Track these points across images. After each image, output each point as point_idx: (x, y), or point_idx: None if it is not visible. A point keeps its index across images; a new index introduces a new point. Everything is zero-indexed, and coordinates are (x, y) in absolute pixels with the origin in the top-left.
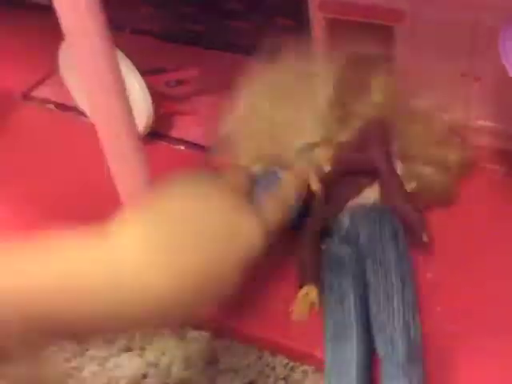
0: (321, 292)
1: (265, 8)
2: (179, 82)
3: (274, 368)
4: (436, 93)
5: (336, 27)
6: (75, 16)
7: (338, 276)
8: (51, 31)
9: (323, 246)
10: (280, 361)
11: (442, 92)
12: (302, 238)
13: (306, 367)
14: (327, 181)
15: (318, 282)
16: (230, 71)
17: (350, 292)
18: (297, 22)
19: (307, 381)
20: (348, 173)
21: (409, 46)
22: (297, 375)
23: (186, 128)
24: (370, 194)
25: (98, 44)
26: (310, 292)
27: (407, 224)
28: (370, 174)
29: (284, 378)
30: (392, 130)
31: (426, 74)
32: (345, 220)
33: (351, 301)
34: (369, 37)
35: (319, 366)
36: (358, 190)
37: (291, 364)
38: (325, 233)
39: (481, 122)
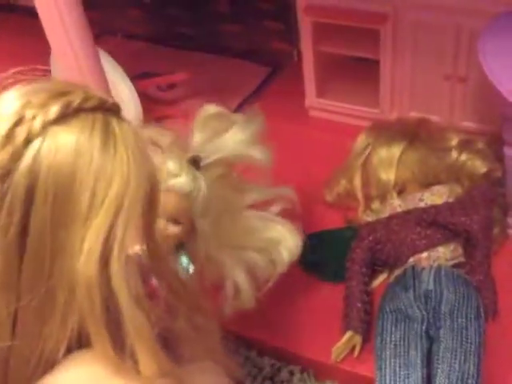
0: (375, 341)
1: (254, 12)
2: (170, 86)
3: (261, 368)
4: (420, 95)
5: (323, 31)
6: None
7: (402, 332)
8: (44, 36)
9: (392, 294)
10: (267, 361)
11: (426, 94)
12: (349, 282)
13: (292, 367)
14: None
15: (365, 330)
16: (220, 74)
17: (416, 356)
18: (285, 26)
19: (293, 381)
20: (435, 224)
21: (393, 49)
22: (283, 375)
23: (176, 131)
24: (441, 253)
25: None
26: (353, 338)
27: (481, 298)
28: (457, 234)
29: (271, 378)
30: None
31: (410, 76)
32: (427, 279)
33: (418, 365)
34: (355, 40)
35: (305, 367)
36: (429, 244)
37: (278, 364)
38: (397, 281)
39: (465, 123)
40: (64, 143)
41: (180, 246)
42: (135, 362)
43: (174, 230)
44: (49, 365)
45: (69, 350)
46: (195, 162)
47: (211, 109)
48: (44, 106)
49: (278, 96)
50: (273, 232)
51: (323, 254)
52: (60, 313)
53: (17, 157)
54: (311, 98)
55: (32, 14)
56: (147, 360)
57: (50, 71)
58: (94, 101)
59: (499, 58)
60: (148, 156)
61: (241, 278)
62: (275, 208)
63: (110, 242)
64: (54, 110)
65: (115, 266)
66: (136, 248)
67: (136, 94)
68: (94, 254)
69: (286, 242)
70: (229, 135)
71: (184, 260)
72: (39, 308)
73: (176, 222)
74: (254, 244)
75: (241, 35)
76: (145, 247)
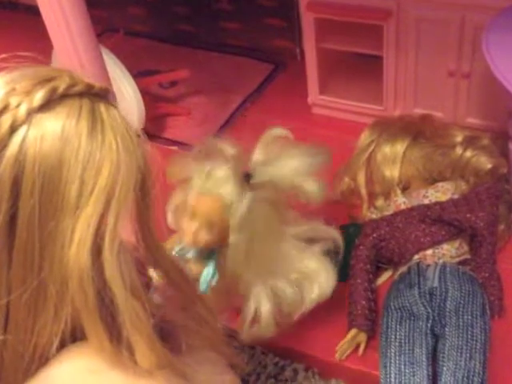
0: (380, 339)
1: (256, 9)
2: (172, 84)
3: (265, 366)
4: (424, 92)
5: (325, 27)
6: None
7: (407, 329)
8: (46, 34)
9: (396, 292)
10: (271, 359)
11: (430, 90)
12: (353, 279)
13: (296, 365)
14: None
15: (370, 328)
16: (222, 72)
17: (422, 353)
18: (287, 23)
19: (298, 379)
20: (440, 221)
21: (396, 46)
22: (287, 373)
23: (179, 128)
24: (446, 250)
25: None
26: (358, 336)
27: (487, 295)
28: (462, 231)
29: (275, 376)
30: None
31: (414, 72)
32: (432, 276)
33: (423, 363)
34: (358, 37)
35: (310, 365)
36: (433, 241)
37: (282, 362)
38: (402, 278)
39: (469, 120)
40: (50, 131)
41: (210, 254)
42: (132, 354)
43: (204, 236)
44: (43, 359)
45: (63, 345)
46: (246, 178)
47: (278, 131)
48: (29, 92)
49: (280, 93)
50: (308, 266)
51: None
52: (53, 306)
53: (2, 146)
54: (314, 95)
55: (33, 11)
56: (144, 351)
57: (32, 57)
58: (80, 86)
59: (504, 52)
60: (138, 142)
61: (264, 305)
62: (317, 246)
63: (101, 231)
64: (38, 96)
65: (108, 256)
66: (130, 237)
67: (138, 92)
68: (86, 243)
69: (320, 278)
70: (286, 161)
71: (210, 270)
72: (31, 301)
73: (210, 228)
74: (286, 274)
75: (243, 32)
76: (140, 236)
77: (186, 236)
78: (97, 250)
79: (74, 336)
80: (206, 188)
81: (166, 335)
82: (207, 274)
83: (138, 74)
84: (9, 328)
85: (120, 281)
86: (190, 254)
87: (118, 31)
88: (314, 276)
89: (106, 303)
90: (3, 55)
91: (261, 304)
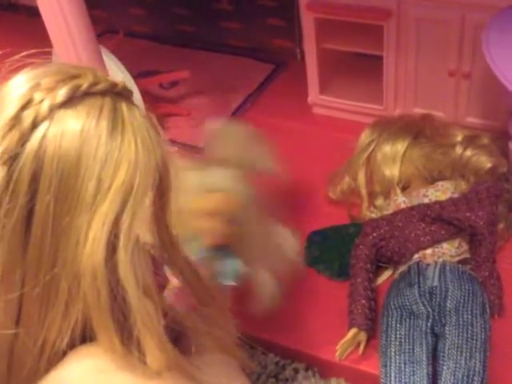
0: (380, 338)
1: (256, 9)
2: (173, 84)
3: (265, 366)
4: (425, 91)
5: (325, 27)
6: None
7: (407, 328)
8: (46, 35)
9: (396, 291)
10: (271, 359)
11: (430, 90)
12: (353, 279)
13: (296, 365)
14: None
15: (370, 327)
16: (222, 72)
17: (422, 353)
18: (287, 23)
19: (298, 378)
20: (440, 220)
21: (397, 45)
22: (288, 373)
23: (179, 129)
24: (446, 250)
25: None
26: (358, 335)
27: (486, 294)
28: (462, 230)
29: (275, 376)
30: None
31: (414, 72)
32: (432, 275)
33: (423, 362)
34: (358, 36)
35: (310, 364)
36: (433, 241)
37: (282, 362)
38: (402, 277)
39: (469, 119)
40: (70, 128)
41: (224, 250)
42: (142, 354)
43: (228, 230)
44: (52, 357)
45: (73, 346)
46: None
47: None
48: (52, 89)
49: (281, 93)
50: (279, 238)
51: (328, 251)
52: (64, 301)
53: (23, 141)
54: (314, 94)
55: (33, 13)
56: (154, 352)
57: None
58: (103, 84)
59: (504, 51)
60: (159, 142)
61: (270, 283)
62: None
63: (116, 230)
64: (61, 93)
65: (122, 255)
66: (147, 237)
67: (138, 92)
68: (100, 241)
69: (290, 243)
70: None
71: (234, 262)
72: (43, 296)
73: (229, 222)
74: (272, 251)
75: (243, 33)
76: (156, 235)
77: (210, 235)
78: (111, 249)
79: (84, 338)
80: (212, 185)
81: (177, 336)
82: (234, 265)
83: (138, 75)
84: (21, 322)
85: (133, 280)
86: (208, 254)
87: (117, 32)
88: (285, 243)
89: (119, 302)
90: (31, 51)
91: (267, 282)
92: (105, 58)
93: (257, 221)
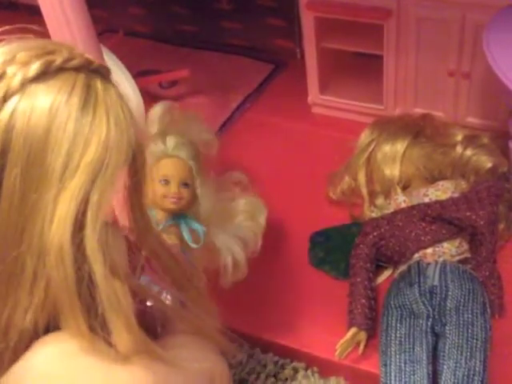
0: (380, 338)
1: (256, 9)
2: (172, 83)
3: (264, 365)
4: (425, 91)
5: (325, 26)
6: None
7: (407, 328)
8: (47, 34)
9: (396, 290)
10: (271, 358)
11: (430, 90)
12: (353, 278)
13: (296, 364)
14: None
15: (370, 327)
16: (222, 71)
17: (422, 352)
18: (287, 22)
19: (298, 378)
20: (440, 219)
21: (397, 45)
22: (287, 372)
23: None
24: (446, 249)
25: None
26: (358, 334)
27: (487, 293)
28: (462, 229)
29: (275, 375)
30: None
31: (414, 72)
32: (432, 275)
33: (424, 361)
34: (358, 36)
35: (309, 363)
36: (433, 240)
37: (282, 361)
38: (402, 277)
39: (469, 119)
40: (40, 103)
41: (182, 215)
42: (109, 335)
43: (186, 196)
44: (17, 343)
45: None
46: None
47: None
48: (26, 63)
49: (280, 93)
50: (243, 206)
51: (332, 252)
52: (29, 280)
53: None
54: (314, 94)
55: (33, 12)
56: (122, 334)
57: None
58: (78, 60)
59: (504, 51)
60: (134, 122)
61: (238, 252)
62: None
63: (84, 207)
64: (34, 67)
65: (89, 232)
66: (121, 218)
67: (138, 92)
68: (67, 218)
69: (257, 210)
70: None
71: (195, 224)
72: (7, 273)
73: (186, 188)
74: (237, 220)
75: (243, 32)
76: (131, 216)
77: (163, 200)
78: (78, 226)
79: (48, 329)
80: (171, 151)
81: (149, 319)
82: (197, 228)
83: (137, 74)
84: None
85: (101, 258)
86: (171, 222)
87: (117, 31)
88: (250, 210)
89: (86, 282)
90: (6, 27)
91: (234, 252)
92: (105, 57)
93: (211, 185)
